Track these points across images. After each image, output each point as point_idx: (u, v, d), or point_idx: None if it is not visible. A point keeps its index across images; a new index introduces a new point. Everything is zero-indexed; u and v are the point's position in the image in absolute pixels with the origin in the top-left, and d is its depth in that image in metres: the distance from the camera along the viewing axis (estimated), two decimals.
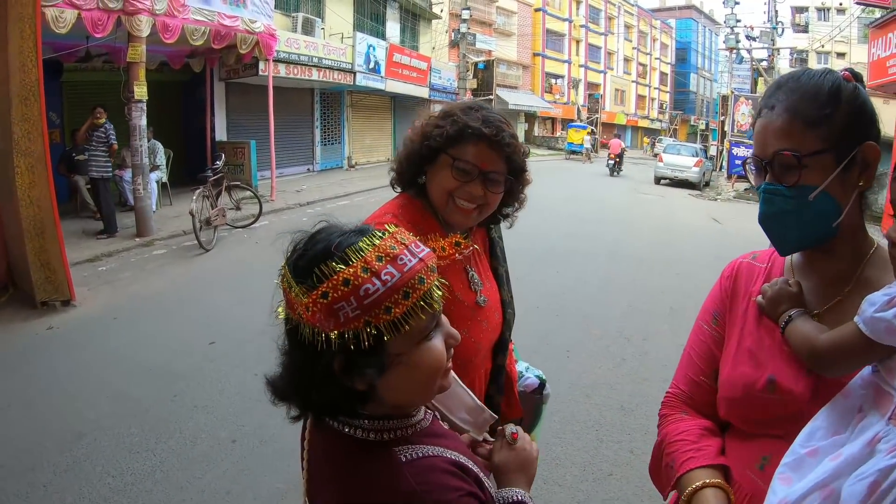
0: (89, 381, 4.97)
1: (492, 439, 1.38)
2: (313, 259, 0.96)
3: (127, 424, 4.20)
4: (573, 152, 34.95)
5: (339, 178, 19.38)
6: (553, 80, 44.61)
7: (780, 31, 30.47)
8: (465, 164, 1.68)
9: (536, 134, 42.64)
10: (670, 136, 48.64)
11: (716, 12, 65.91)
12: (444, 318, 1.06)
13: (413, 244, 1.01)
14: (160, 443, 3.99)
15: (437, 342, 1.03)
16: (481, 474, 1.14)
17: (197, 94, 15.67)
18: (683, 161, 24.52)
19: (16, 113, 6.28)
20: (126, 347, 5.63)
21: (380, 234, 0.99)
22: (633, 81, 57.25)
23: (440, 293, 1.01)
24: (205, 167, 11.07)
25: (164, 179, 12.66)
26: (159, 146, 12.45)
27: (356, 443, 1.03)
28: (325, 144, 21.35)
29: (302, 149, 20.31)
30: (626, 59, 56.24)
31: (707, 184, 25.23)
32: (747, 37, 30.59)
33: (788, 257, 1.38)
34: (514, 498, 1.23)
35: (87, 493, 3.49)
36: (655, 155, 30.49)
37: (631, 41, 56.66)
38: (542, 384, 2.11)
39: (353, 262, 0.93)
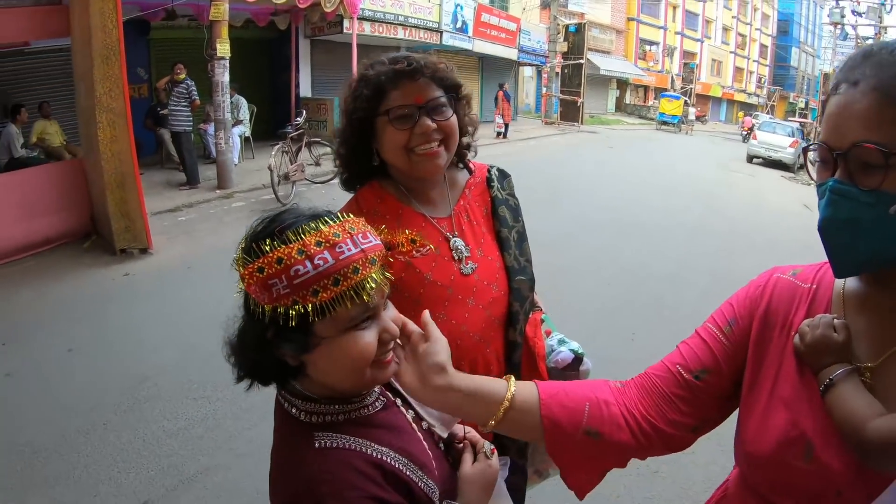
0: (158, 327, 5.15)
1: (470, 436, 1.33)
2: (259, 235, 0.99)
3: (188, 372, 4.33)
4: (665, 123, 33.58)
5: None
6: (647, 47, 42.99)
7: (888, 7, 28.14)
8: (400, 108, 1.58)
9: (628, 102, 41.40)
10: (767, 113, 45.83)
11: None
12: (385, 314, 1.08)
13: (360, 234, 1.01)
14: (216, 392, 4.10)
15: (368, 334, 1.03)
16: (416, 477, 1.09)
17: (283, 51, 15.87)
18: (778, 140, 23.04)
19: (98, 72, 6.52)
20: (196, 297, 5.76)
21: (330, 221, 1.01)
22: (731, 52, 54.24)
23: (374, 286, 1.00)
24: (288, 123, 11.18)
25: (248, 134, 12.91)
26: (243, 101, 12.68)
27: (289, 419, 1.07)
28: None
29: None
30: (725, 29, 53.30)
31: (802, 166, 23.79)
32: (853, 12, 28.56)
33: (840, 281, 1.08)
34: None
35: (142, 433, 3.65)
36: (750, 131, 28.37)
37: (730, 9, 53.54)
38: (579, 359, 1.79)
39: (290, 242, 0.96)
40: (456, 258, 1.66)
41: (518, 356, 1.75)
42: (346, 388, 1.08)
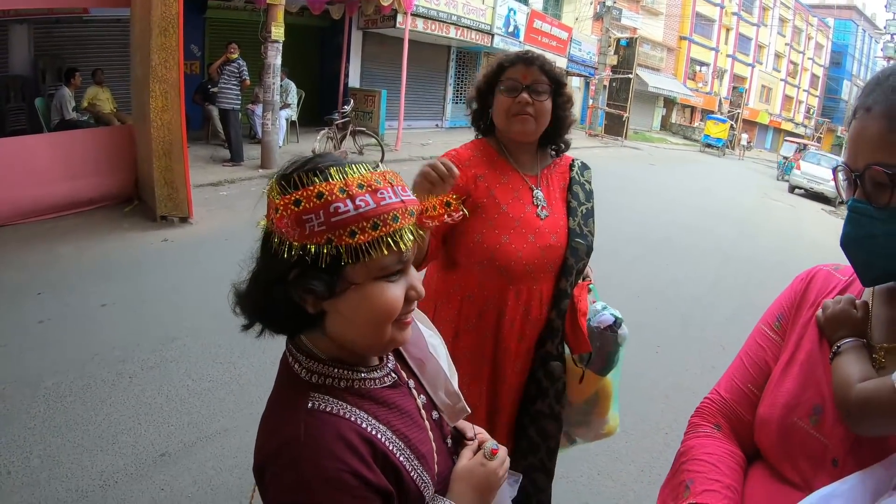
0: (191, 293, 5.21)
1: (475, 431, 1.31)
2: (299, 168, 0.95)
3: (217, 336, 4.38)
4: (709, 145, 33.03)
5: (467, 136, 18.72)
6: (697, 67, 42.43)
7: None
8: (510, 81, 2.04)
9: (673, 121, 40.92)
10: (815, 144, 44.83)
11: (878, 16, 60.35)
12: (413, 271, 1.06)
13: (400, 187, 0.99)
14: (242, 358, 4.14)
15: (397, 288, 1.00)
16: (410, 465, 1.04)
17: (335, 40, 15.98)
18: (822, 172, 22.56)
19: (155, 42, 6.62)
20: (232, 268, 5.70)
21: (371, 168, 0.98)
22: (781, 80, 53.12)
23: (412, 238, 0.98)
24: (335, 110, 11.26)
25: (294, 118, 13.02)
26: (292, 86, 12.81)
27: (290, 374, 1.03)
28: (456, 102, 21.19)
29: (432, 104, 20.38)
30: (777, 55, 52.18)
31: (843, 202, 23.25)
32: None
33: None
34: None
35: (166, 389, 3.71)
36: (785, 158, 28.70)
37: (784, 36, 52.39)
38: (618, 323, 2.08)
39: (332, 179, 0.93)
40: (535, 204, 2.08)
41: (565, 305, 2.06)
42: (363, 344, 1.03)
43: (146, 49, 6.69)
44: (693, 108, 42.81)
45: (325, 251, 0.90)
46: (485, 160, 2.11)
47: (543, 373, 2.07)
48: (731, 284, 7.71)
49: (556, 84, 2.09)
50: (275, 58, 10.26)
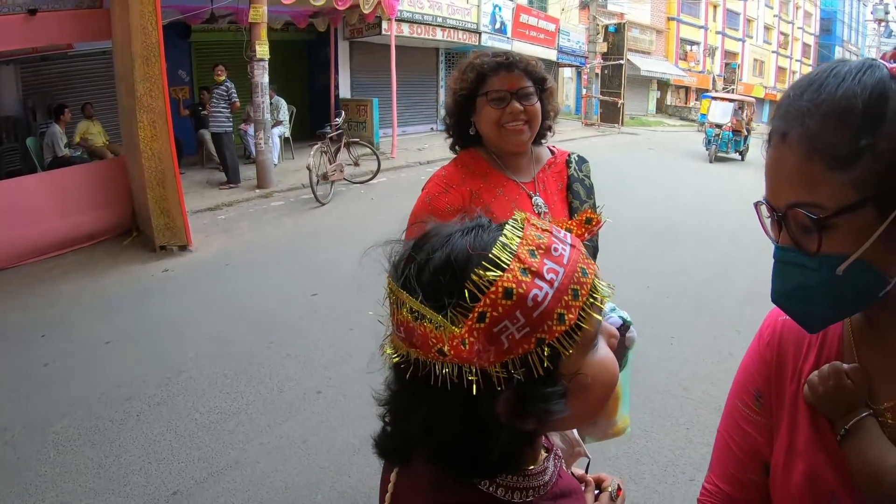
0: (194, 322, 5.17)
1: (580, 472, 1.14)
2: (444, 269, 0.69)
3: (222, 366, 4.34)
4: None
5: None
6: (688, 47, 42.22)
7: None
8: (497, 92, 1.96)
9: (669, 103, 40.70)
10: None
11: None
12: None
13: (553, 227, 0.76)
14: (250, 386, 4.09)
15: (605, 348, 0.79)
16: None
17: (322, 52, 15.99)
18: None
19: (139, 72, 6.63)
20: (233, 293, 5.80)
21: (516, 222, 0.73)
22: (773, 52, 52.64)
23: (603, 283, 0.76)
24: (327, 124, 11.24)
25: (287, 134, 13.00)
26: (283, 102, 12.79)
27: (477, 497, 0.77)
28: None
29: (425, 108, 20.32)
30: (767, 28, 51.68)
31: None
32: None
33: (847, 320, 0.98)
34: None
35: (174, 425, 3.66)
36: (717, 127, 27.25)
37: (772, 8, 51.87)
38: (626, 326, 2.00)
39: (506, 264, 0.67)
40: (536, 212, 2.00)
41: None
42: (584, 424, 0.90)
43: (130, 79, 6.71)
44: (687, 89, 42.60)
45: (536, 356, 0.67)
46: (477, 174, 2.03)
47: None
48: (740, 263, 7.55)
49: (540, 82, 2.04)
50: (262, 76, 10.23)
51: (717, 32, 45.10)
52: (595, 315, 0.71)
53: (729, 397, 1.14)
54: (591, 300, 0.72)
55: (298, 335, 4.87)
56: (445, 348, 0.66)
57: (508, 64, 1.97)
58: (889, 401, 0.90)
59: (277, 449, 3.42)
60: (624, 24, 27.12)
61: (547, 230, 0.73)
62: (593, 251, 2.04)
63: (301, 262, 6.87)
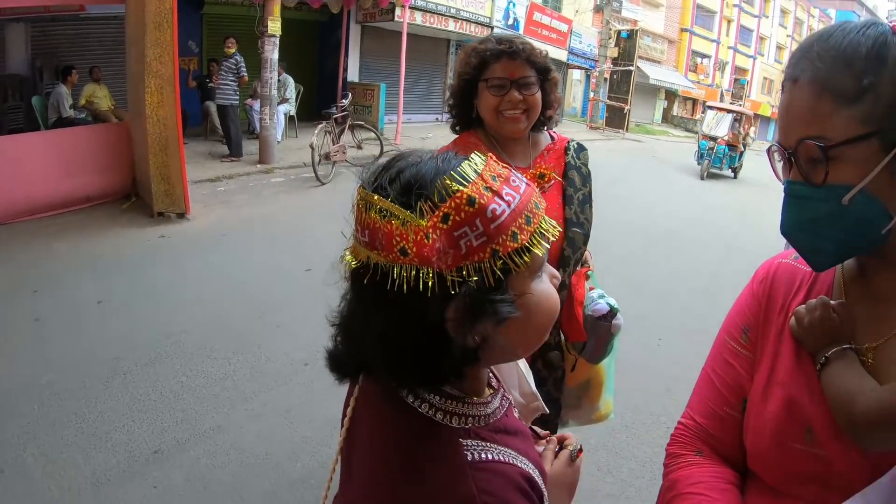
0: (187, 288, 5.20)
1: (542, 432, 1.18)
2: (417, 177, 0.75)
3: (212, 333, 4.36)
4: (712, 138, 32.66)
5: None
6: (699, 59, 42.24)
7: None
8: (497, 79, 1.96)
9: (675, 113, 40.75)
10: None
11: (879, 8, 59.81)
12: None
13: (510, 168, 0.82)
14: (238, 354, 4.11)
15: (548, 283, 0.85)
16: (544, 488, 0.93)
17: (333, 34, 15.92)
18: None
19: (150, 37, 6.59)
20: (228, 263, 5.81)
21: (479, 156, 0.79)
22: (783, 72, 52.67)
23: (553, 222, 0.83)
24: (333, 104, 11.23)
25: (293, 112, 12.99)
26: (290, 80, 12.76)
27: (418, 420, 0.82)
28: None
29: (432, 98, 20.27)
30: (779, 47, 51.72)
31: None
32: None
33: (840, 266, 1.04)
34: None
35: (160, 386, 3.68)
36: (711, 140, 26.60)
37: (785, 28, 52.04)
38: (612, 312, 2.05)
39: (471, 178, 0.74)
40: None
41: (563, 296, 1.99)
42: (526, 352, 0.91)
43: (141, 45, 6.67)
44: (695, 101, 42.62)
45: (489, 266, 0.73)
46: None
47: (543, 363, 2.07)
48: (732, 276, 7.58)
49: (544, 72, 2.02)
50: (272, 52, 10.21)
51: (729, 47, 45.15)
52: (543, 245, 0.78)
53: (717, 335, 1.19)
54: (541, 231, 0.78)
55: (290, 308, 4.88)
56: (408, 246, 0.71)
57: (511, 52, 1.96)
58: (872, 342, 0.95)
59: (261, 416, 3.45)
60: (637, 30, 27.11)
61: (506, 167, 0.80)
62: (584, 238, 2.08)
63: (297, 238, 6.87)
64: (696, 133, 28.56)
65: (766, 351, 1.07)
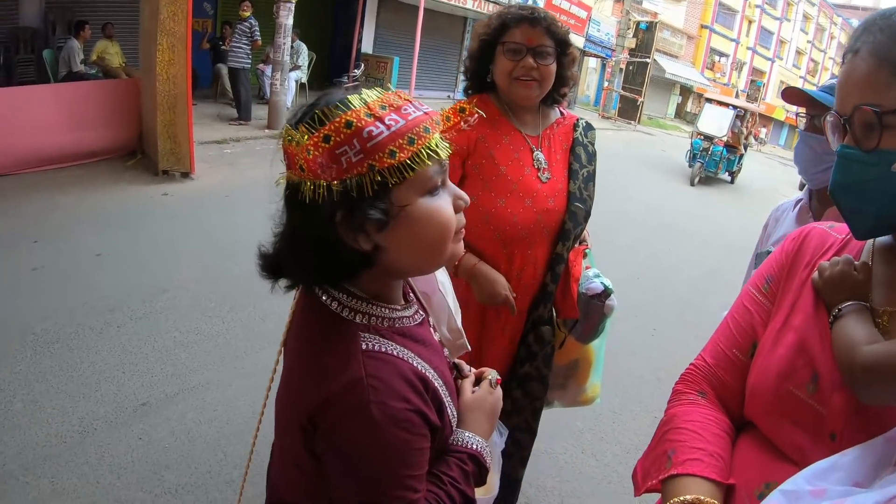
0: (186, 246, 5.21)
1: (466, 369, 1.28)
2: (313, 107, 0.91)
3: (208, 291, 4.38)
4: None
5: None
6: (717, 58, 41.89)
7: None
8: (514, 44, 1.95)
9: (688, 109, 40.46)
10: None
11: None
12: (450, 182, 1.00)
13: (417, 102, 0.95)
14: (232, 313, 4.14)
15: (444, 201, 0.96)
16: (447, 400, 1.05)
17: (349, 5, 15.80)
18: None
19: None
20: (229, 224, 5.80)
21: (385, 88, 0.95)
22: (801, 77, 51.70)
23: (448, 145, 0.95)
24: (345, 73, 11.17)
25: (304, 80, 12.89)
26: (304, 48, 12.66)
27: (328, 315, 0.97)
28: None
29: (446, 74, 20.13)
30: (799, 52, 51.12)
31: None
32: None
33: (872, 240, 1.06)
34: (472, 447, 1.10)
35: (152, 340, 3.71)
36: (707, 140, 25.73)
37: (807, 33, 51.30)
38: (607, 292, 2.05)
39: (355, 106, 0.88)
40: (536, 167, 2.03)
41: (560, 270, 2.04)
42: (424, 267, 1.01)
43: (155, 2, 6.61)
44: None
45: (368, 179, 0.86)
46: (486, 120, 2.03)
47: (534, 337, 2.07)
48: (730, 273, 7.52)
49: (562, 45, 2.01)
50: (287, 18, 10.14)
51: (748, 48, 44.70)
52: (428, 164, 0.90)
53: (744, 287, 1.23)
54: (429, 151, 0.90)
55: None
56: (303, 164, 0.87)
57: (532, 18, 1.95)
58: (889, 306, 0.98)
59: (251, 375, 3.46)
60: (656, 23, 26.88)
61: (409, 101, 0.92)
62: (585, 214, 2.10)
63: None
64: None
65: (785, 301, 1.10)
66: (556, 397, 2.30)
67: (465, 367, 1.27)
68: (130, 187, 6.58)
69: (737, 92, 41.12)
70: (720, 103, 16.68)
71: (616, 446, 3.39)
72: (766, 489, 0.95)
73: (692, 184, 14.12)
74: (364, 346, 0.92)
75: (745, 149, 16.54)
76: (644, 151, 18.08)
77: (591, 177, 2.13)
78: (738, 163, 16.09)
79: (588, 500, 2.97)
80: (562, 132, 2.14)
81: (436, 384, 0.99)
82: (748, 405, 1.09)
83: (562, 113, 2.19)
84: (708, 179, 15.13)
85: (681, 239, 8.55)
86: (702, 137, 15.19)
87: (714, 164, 15.06)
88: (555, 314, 2.11)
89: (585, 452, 3.30)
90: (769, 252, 1.83)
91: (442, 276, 1.30)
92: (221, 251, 5.10)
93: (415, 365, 0.96)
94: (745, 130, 16.30)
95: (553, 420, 2.45)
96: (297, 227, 0.94)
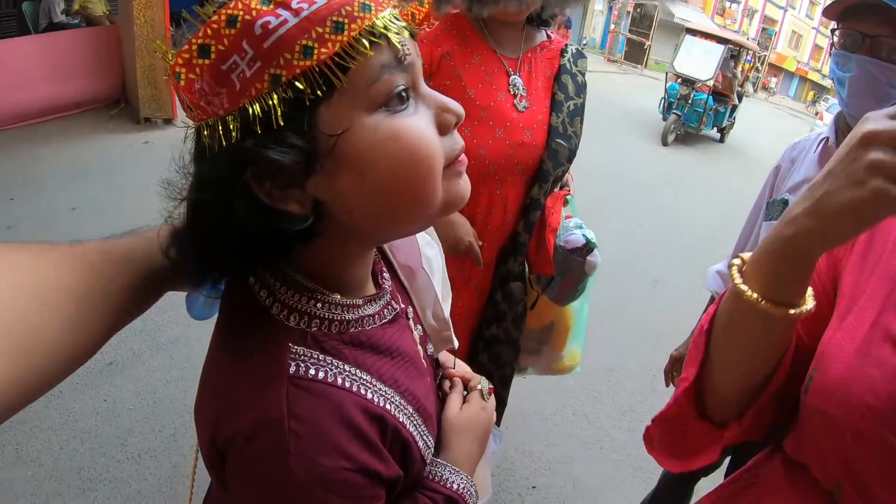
0: (164, 194, 4.91)
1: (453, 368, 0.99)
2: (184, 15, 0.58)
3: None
4: None
5: None
6: (727, 3, 40.93)
7: None
8: None
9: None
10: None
11: None
12: (428, 90, 0.64)
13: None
14: None
15: (416, 118, 0.61)
16: (418, 432, 0.74)
17: None
18: None
19: None
20: None
21: None
22: (813, 28, 50.55)
23: (406, 25, 0.60)
24: None
25: None
26: None
27: (253, 307, 0.66)
28: None
29: None
30: (812, 2, 49.86)
31: None
32: None
33: None
34: (451, 488, 0.80)
35: None
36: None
37: None
38: (589, 247, 1.78)
39: None
40: (512, 93, 1.75)
41: (535, 217, 1.76)
42: (400, 226, 0.67)
43: None
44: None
45: (274, 98, 0.55)
46: (455, 35, 1.76)
47: (502, 294, 1.81)
48: (739, 227, 7.36)
49: None
50: None
51: None
52: (370, 54, 0.57)
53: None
54: (371, 39, 0.57)
55: None
56: (185, 97, 0.59)
57: None
58: None
59: None
60: None
61: None
62: (569, 154, 1.81)
63: None
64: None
65: (873, 293, 0.75)
66: (531, 363, 2.06)
67: (451, 360, 1.00)
68: (111, 137, 6.35)
69: (747, 39, 40.25)
70: (706, 36, 12.18)
71: (611, 407, 3.20)
72: None
73: (664, 142, 10.56)
74: (293, 369, 0.62)
75: (740, 98, 12.45)
76: (631, 99, 17.64)
77: (578, 111, 1.83)
78: (730, 116, 12.21)
79: (577, 467, 2.79)
80: (546, 57, 1.83)
81: (399, 419, 0.69)
82: (814, 445, 0.76)
83: (549, 36, 1.89)
84: (688, 137, 11.45)
85: (690, 193, 8.27)
86: (680, 81, 11.48)
87: (696, 118, 11.17)
88: (527, 269, 1.85)
89: (577, 413, 3.12)
90: (785, 201, 1.55)
91: (430, 249, 0.98)
92: None
93: (369, 398, 0.66)
94: (739, 75, 12.37)
95: (541, 377, 2.24)
96: (199, 186, 0.64)
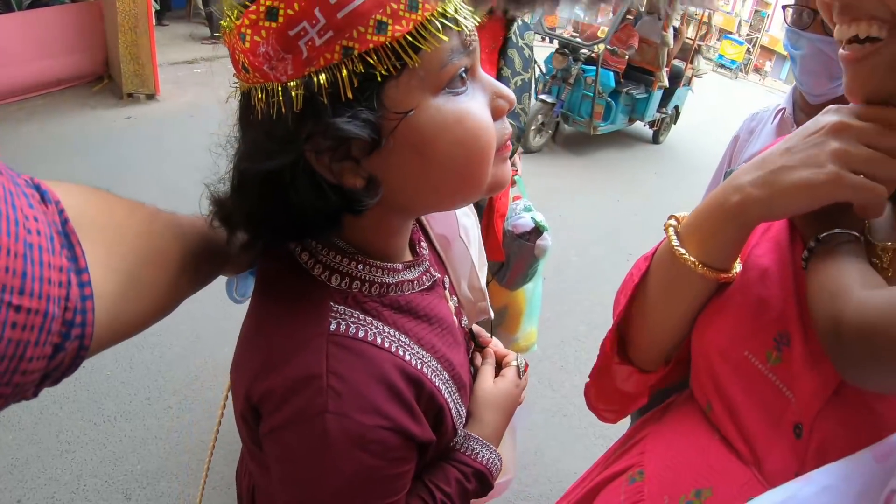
0: (145, 170, 5.04)
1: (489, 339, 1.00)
2: None
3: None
4: (722, 66, 31.62)
5: None
6: None
7: None
8: None
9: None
10: None
11: None
12: (484, 74, 0.66)
13: None
14: None
15: (476, 102, 0.63)
16: (451, 399, 0.74)
17: None
18: None
19: None
20: (191, 145, 5.56)
21: None
22: None
23: (472, 12, 0.61)
24: None
25: None
26: None
27: (293, 268, 0.68)
28: None
29: None
30: None
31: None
32: None
33: None
34: (481, 462, 0.80)
35: None
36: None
37: None
38: (539, 231, 1.73)
39: None
40: None
41: (483, 202, 1.65)
42: (450, 202, 0.69)
43: None
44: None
45: (344, 72, 0.54)
46: None
47: None
48: None
49: None
50: None
51: None
52: (444, 40, 0.57)
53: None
54: (443, 22, 0.57)
55: None
56: (244, 59, 0.57)
57: None
58: (891, 241, 0.70)
59: (195, 299, 3.30)
60: None
61: None
62: (517, 132, 1.67)
63: None
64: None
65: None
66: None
67: (485, 335, 1.00)
68: (94, 113, 6.34)
69: (739, 21, 40.07)
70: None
71: (576, 376, 3.28)
72: (697, 499, 0.72)
73: (530, 149, 6.68)
74: (333, 327, 0.63)
75: (678, 78, 8.34)
76: None
77: (526, 87, 1.74)
78: (664, 105, 8.14)
79: (540, 434, 2.87)
80: (488, 29, 1.70)
81: (435, 384, 0.70)
82: (693, 367, 0.85)
83: (491, 11, 1.84)
84: (579, 140, 7.76)
85: (677, 168, 8.29)
86: (558, 48, 6.96)
87: (586, 107, 7.00)
88: None
89: (542, 382, 3.19)
90: None
91: (466, 219, 0.99)
92: (181, 173, 4.88)
93: (406, 359, 0.67)
94: (672, 42, 7.90)
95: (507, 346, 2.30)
96: (247, 160, 0.63)
